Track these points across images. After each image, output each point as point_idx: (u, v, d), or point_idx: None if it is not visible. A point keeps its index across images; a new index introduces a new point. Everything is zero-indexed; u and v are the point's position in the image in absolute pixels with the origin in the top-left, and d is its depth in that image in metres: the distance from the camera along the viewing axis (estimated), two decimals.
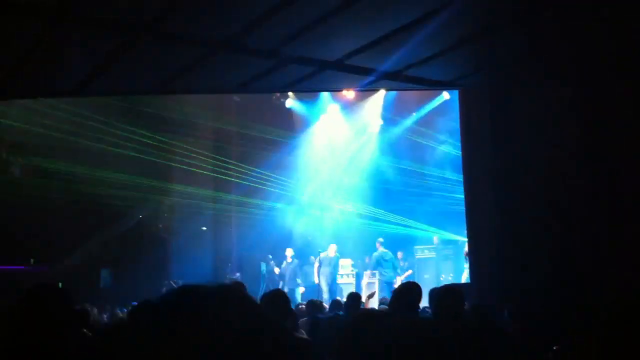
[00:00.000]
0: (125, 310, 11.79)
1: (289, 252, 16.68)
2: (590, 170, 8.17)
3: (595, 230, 8.04)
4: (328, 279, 15.75)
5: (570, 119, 8.40)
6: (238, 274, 17.61)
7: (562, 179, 8.41)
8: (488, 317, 5.71)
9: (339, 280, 16.17)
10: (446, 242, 16.70)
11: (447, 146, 16.56)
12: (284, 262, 16.69)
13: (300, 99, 17.34)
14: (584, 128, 8.28)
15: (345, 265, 16.56)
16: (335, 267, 16.00)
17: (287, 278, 16.42)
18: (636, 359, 2.56)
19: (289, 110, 17.72)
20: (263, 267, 17.52)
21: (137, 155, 15.56)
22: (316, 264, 15.98)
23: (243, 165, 17.59)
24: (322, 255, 15.97)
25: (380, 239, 16.04)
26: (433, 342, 4.49)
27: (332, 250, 16.02)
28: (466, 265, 15.27)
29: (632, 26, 7.19)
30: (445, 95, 15.79)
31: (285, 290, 15.57)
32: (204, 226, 18.54)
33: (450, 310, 4.54)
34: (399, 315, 4.83)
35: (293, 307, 8.31)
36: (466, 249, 15.60)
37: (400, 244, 16.80)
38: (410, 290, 5.16)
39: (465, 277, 14.84)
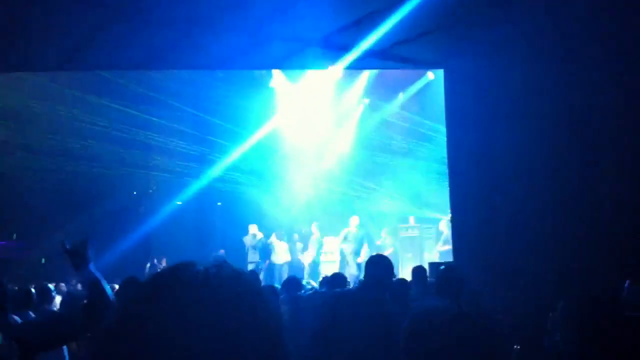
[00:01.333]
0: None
1: (255, 228, 16.74)
2: (567, 152, 8.23)
3: (574, 213, 8.12)
4: (354, 255, 15.47)
5: (552, 106, 8.44)
6: (222, 251, 17.60)
7: (539, 160, 8.47)
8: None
9: (322, 258, 16.19)
10: (429, 221, 16.76)
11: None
12: (251, 238, 16.70)
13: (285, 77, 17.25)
14: (562, 112, 8.33)
15: (330, 243, 16.58)
16: (360, 243, 15.65)
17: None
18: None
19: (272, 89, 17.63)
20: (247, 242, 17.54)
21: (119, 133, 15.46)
22: (340, 239, 15.73)
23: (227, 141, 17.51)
24: (345, 230, 15.75)
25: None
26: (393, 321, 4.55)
27: (354, 225, 15.74)
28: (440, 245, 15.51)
29: (612, 14, 7.19)
30: (430, 75, 15.75)
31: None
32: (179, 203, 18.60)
33: (453, 288, 4.56)
34: (369, 294, 4.85)
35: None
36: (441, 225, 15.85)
37: (385, 221, 16.92)
38: (377, 264, 5.05)
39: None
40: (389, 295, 5.76)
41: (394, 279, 6.66)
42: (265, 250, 16.61)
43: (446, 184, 10.10)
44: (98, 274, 3.26)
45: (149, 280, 1.09)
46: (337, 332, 4.47)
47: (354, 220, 15.84)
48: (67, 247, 3.31)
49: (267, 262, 16.73)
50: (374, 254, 5.66)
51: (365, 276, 5.09)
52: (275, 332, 1.07)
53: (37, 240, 15.23)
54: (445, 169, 10.37)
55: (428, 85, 15.90)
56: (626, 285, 5.14)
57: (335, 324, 4.58)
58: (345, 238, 15.66)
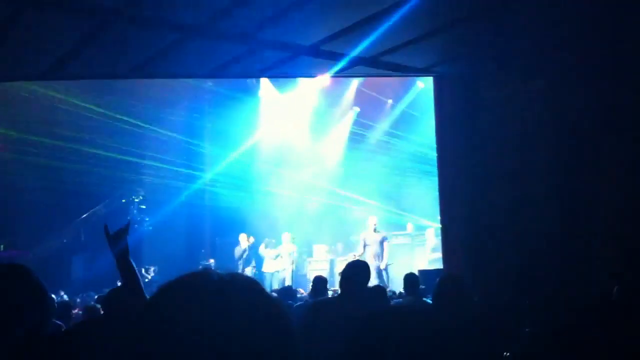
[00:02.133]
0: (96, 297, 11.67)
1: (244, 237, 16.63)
2: (558, 163, 8.30)
3: (562, 220, 8.18)
4: (378, 259, 14.37)
5: (539, 111, 8.52)
6: (212, 261, 17.54)
7: (530, 170, 8.53)
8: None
9: (311, 267, 16.13)
10: (420, 229, 16.81)
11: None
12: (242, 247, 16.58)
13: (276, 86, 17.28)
14: (552, 121, 8.40)
15: (320, 251, 16.58)
16: (381, 246, 14.58)
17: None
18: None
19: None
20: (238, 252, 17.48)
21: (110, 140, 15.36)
22: (361, 245, 14.71)
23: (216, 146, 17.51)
24: (363, 234, 14.85)
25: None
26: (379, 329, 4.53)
27: (372, 227, 14.79)
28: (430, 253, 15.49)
29: (600, 23, 7.26)
30: (420, 84, 15.83)
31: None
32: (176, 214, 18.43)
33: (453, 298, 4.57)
34: (351, 302, 4.87)
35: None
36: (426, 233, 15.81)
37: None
38: (353, 269, 5.13)
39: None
40: (368, 300, 5.83)
41: (375, 285, 6.74)
42: (249, 260, 16.46)
43: (436, 192, 10.12)
44: (134, 264, 3.36)
45: (162, 289, 1.09)
46: (317, 339, 4.49)
47: (372, 219, 15.05)
48: (110, 232, 3.40)
49: (254, 269, 16.70)
50: (352, 259, 5.72)
51: (341, 281, 5.16)
52: (290, 340, 1.08)
53: (27, 250, 15.12)
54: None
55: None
56: (615, 290, 5.18)
57: (315, 331, 4.61)
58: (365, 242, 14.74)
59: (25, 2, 6.17)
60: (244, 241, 16.54)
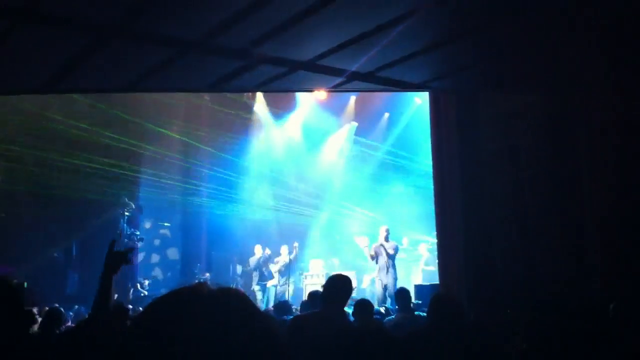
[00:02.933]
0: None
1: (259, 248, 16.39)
2: (555, 176, 8.32)
3: (558, 235, 8.19)
4: (388, 271, 13.50)
5: (536, 125, 8.55)
6: (208, 275, 17.49)
7: (526, 184, 8.56)
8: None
9: (307, 282, 16.07)
10: (415, 243, 16.80)
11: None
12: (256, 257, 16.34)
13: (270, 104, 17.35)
14: (548, 135, 8.44)
15: (316, 266, 16.52)
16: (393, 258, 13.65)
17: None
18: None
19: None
20: (238, 268, 17.48)
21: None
22: (372, 256, 13.84)
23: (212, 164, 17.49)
24: (374, 245, 13.98)
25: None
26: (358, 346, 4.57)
27: (383, 236, 13.87)
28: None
29: (598, 37, 7.30)
30: (418, 100, 15.87)
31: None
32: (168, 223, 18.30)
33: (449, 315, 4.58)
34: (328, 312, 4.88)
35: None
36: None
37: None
38: (340, 282, 5.14)
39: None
40: (353, 312, 5.83)
41: (360, 299, 6.73)
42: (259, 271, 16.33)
43: (431, 206, 10.12)
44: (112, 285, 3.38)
45: (152, 304, 1.10)
46: (297, 356, 4.47)
47: (383, 228, 14.35)
48: (115, 248, 3.44)
49: (252, 284, 16.65)
50: (334, 273, 5.72)
51: (323, 295, 5.16)
52: (279, 356, 1.08)
53: (18, 264, 15.01)
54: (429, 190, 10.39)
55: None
56: (611, 308, 5.17)
57: (295, 348, 4.59)
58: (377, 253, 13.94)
59: (22, 17, 6.17)
60: (258, 252, 16.39)
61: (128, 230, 16.91)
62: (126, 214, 16.90)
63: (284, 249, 16.25)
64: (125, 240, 16.39)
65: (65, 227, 16.07)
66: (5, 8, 5.97)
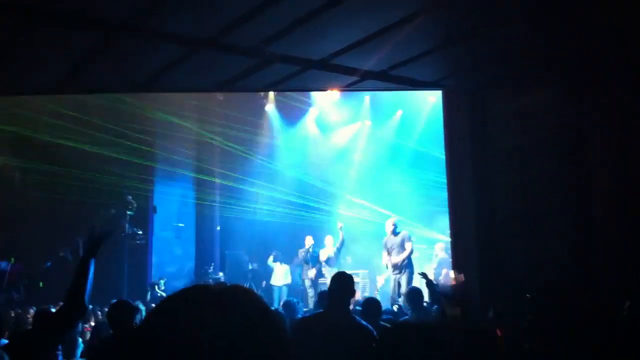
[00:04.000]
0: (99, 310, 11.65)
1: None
2: (568, 175, 8.27)
3: (567, 234, 8.15)
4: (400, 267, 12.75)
5: (547, 123, 8.50)
6: (221, 274, 17.50)
7: (540, 183, 8.51)
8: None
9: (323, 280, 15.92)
10: (429, 241, 16.69)
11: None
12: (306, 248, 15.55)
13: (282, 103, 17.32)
14: (561, 133, 8.39)
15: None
16: (402, 249, 12.89)
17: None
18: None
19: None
20: (249, 266, 17.43)
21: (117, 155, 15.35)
22: (385, 253, 13.22)
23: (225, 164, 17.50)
24: (384, 240, 13.39)
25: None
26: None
27: (390, 229, 13.24)
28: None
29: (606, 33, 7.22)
30: (431, 99, 15.77)
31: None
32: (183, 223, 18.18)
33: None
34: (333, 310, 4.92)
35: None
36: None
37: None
38: (342, 281, 5.12)
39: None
40: (361, 311, 5.82)
41: (368, 298, 6.73)
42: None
43: (445, 205, 10.07)
44: (92, 271, 3.49)
45: (164, 302, 1.13)
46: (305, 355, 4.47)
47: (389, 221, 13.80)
48: (94, 235, 3.62)
49: (264, 283, 16.63)
50: (339, 271, 5.75)
51: (328, 294, 5.16)
52: (280, 352, 1.09)
53: (32, 263, 15.10)
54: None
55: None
56: (626, 306, 5.11)
57: (305, 345, 4.59)
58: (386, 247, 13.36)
59: (31, 15, 6.18)
60: (309, 243, 15.62)
61: (130, 229, 16.67)
62: (128, 212, 16.61)
63: (329, 240, 15.58)
64: (127, 240, 16.11)
65: (73, 226, 15.92)
66: (15, 6, 5.98)
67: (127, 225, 16.55)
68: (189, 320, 1.06)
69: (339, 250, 15.37)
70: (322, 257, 15.44)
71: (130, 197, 16.56)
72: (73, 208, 15.32)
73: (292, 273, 16.35)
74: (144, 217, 17.58)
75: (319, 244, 15.64)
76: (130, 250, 16.77)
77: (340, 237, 15.31)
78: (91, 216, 15.48)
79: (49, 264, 14.68)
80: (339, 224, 15.49)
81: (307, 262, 15.49)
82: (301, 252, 15.66)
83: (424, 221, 16.87)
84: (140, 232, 16.83)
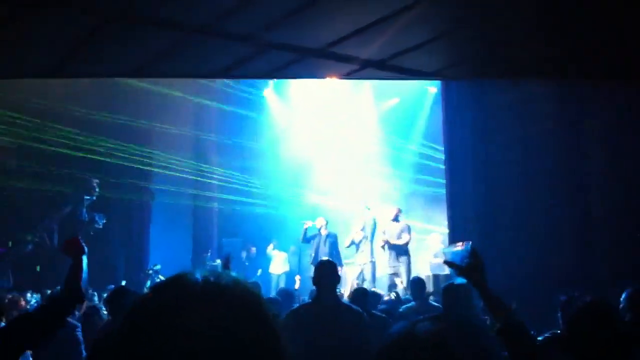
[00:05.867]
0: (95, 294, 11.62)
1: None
2: (565, 165, 8.27)
3: (568, 225, 8.15)
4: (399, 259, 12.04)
5: (546, 114, 8.48)
6: (218, 261, 17.48)
7: (538, 173, 8.50)
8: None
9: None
10: (423, 232, 16.59)
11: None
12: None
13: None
14: (559, 124, 8.37)
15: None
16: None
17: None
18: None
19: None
20: (244, 255, 17.40)
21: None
22: (382, 237, 12.40)
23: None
24: (383, 228, 12.63)
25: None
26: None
27: (390, 217, 12.43)
28: None
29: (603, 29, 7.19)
30: (432, 89, 15.64)
31: None
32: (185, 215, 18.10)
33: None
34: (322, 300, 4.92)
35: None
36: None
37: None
38: (324, 270, 5.07)
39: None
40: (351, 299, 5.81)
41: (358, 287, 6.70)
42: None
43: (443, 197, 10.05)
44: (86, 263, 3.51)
45: (149, 293, 1.10)
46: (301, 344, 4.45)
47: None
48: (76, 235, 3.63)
49: (260, 271, 16.59)
50: (323, 259, 5.69)
51: (314, 283, 5.14)
52: (274, 343, 1.07)
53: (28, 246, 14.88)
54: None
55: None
56: (624, 295, 5.09)
57: (297, 336, 4.57)
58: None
59: (26, 1, 6.12)
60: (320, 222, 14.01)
61: (86, 216, 15.29)
62: (86, 197, 15.20)
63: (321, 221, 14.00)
64: (83, 226, 14.77)
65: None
66: None
67: (83, 211, 15.19)
68: (171, 312, 1.03)
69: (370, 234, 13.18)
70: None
71: (96, 181, 15.35)
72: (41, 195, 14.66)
73: (289, 262, 16.31)
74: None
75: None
76: (125, 239, 16.64)
77: (371, 219, 13.20)
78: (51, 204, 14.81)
79: (30, 246, 14.34)
80: (364, 204, 13.55)
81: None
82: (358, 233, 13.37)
83: (420, 214, 16.77)
84: (104, 220, 15.25)
